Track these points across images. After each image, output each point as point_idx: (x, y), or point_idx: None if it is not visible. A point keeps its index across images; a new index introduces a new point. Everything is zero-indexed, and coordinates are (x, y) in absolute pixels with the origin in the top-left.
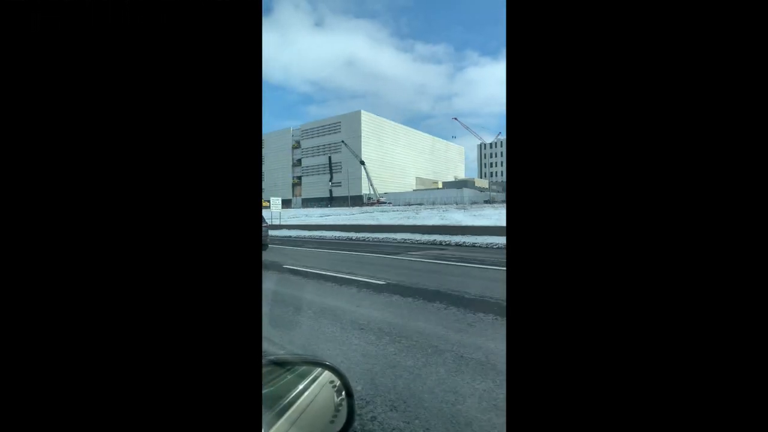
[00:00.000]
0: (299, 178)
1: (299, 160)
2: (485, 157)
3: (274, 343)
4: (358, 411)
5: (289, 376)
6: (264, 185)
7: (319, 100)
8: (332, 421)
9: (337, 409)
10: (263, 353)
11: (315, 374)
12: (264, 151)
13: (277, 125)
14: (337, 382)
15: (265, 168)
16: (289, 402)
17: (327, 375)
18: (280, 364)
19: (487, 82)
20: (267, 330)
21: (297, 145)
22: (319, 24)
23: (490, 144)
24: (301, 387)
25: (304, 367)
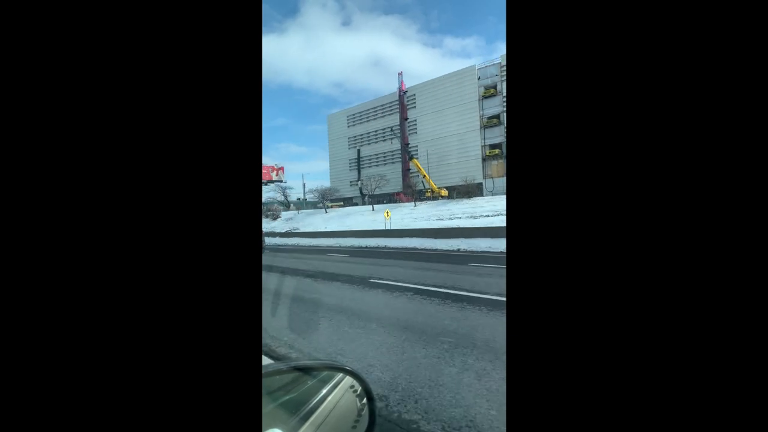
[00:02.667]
0: (496, 146)
1: (496, 117)
2: None
3: None
4: None
5: (311, 382)
6: (424, 163)
7: (342, 102)
8: (354, 426)
9: (359, 414)
10: (287, 360)
11: (337, 379)
12: (413, 113)
13: (299, 129)
14: (359, 387)
15: (415, 139)
16: (312, 407)
17: (348, 380)
18: (303, 369)
19: None
20: None
21: (492, 92)
22: (346, 23)
23: None
24: (323, 392)
25: (325, 373)
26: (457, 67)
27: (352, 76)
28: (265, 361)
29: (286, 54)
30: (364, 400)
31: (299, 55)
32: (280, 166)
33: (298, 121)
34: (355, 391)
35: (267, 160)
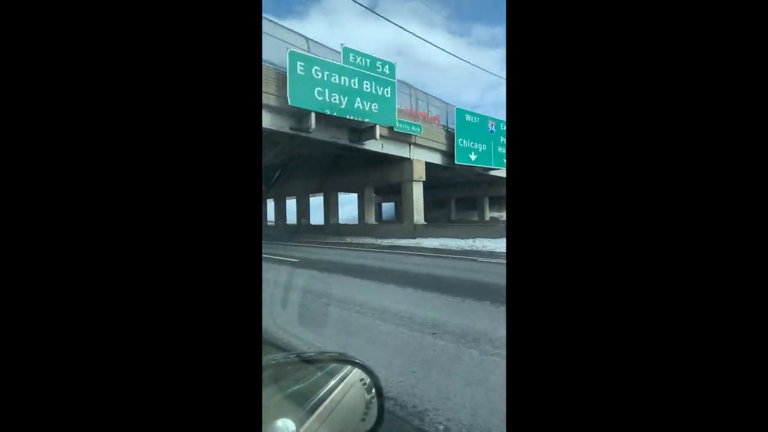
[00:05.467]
0: None
1: None
2: None
3: None
4: None
5: (319, 374)
6: None
7: None
8: (363, 419)
9: (367, 407)
10: (295, 351)
11: (345, 372)
12: None
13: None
14: (367, 380)
15: None
16: (319, 399)
17: (357, 373)
18: (310, 361)
19: None
20: None
21: None
22: (371, 8)
23: None
24: (331, 384)
25: (333, 365)
26: (483, 56)
27: None
28: (274, 352)
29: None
30: (373, 393)
31: (320, 42)
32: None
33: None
34: (364, 384)
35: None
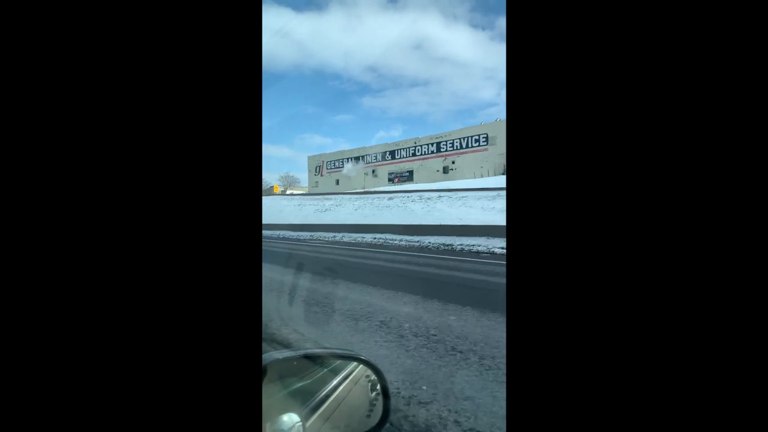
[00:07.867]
0: None
1: None
2: None
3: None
4: None
5: (324, 371)
6: None
7: (375, 89)
8: (368, 416)
9: (372, 404)
10: (299, 347)
11: (350, 368)
12: None
13: (326, 118)
14: (373, 377)
15: None
16: (324, 396)
17: (362, 369)
18: (315, 358)
19: None
20: None
21: None
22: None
23: None
24: (336, 381)
25: (339, 362)
26: (503, 50)
27: (389, 60)
28: (279, 348)
29: (324, 33)
30: (378, 390)
31: (337, 35)
32: None
33: (326, 109)
34: (370, 380)
35: (286, 151)
